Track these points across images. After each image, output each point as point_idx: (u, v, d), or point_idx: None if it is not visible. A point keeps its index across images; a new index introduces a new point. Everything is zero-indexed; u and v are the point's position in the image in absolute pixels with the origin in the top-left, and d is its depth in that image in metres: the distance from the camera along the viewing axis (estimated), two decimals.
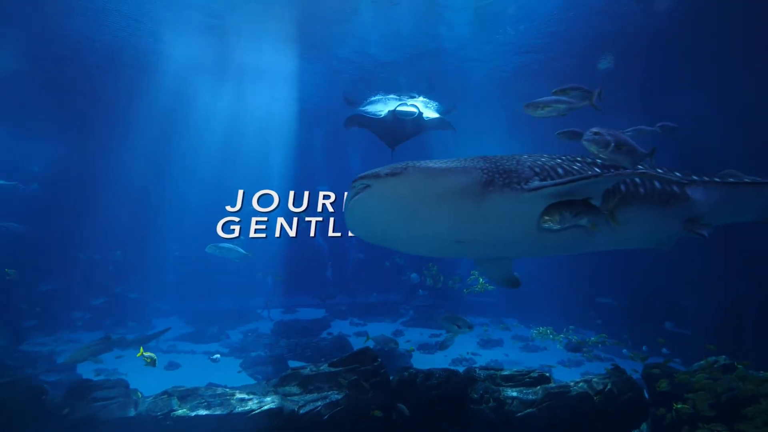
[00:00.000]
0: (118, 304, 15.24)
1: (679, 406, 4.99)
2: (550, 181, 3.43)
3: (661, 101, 13.25)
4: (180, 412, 4.52)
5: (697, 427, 4.80)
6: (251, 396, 4.75)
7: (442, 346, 8.75)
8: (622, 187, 3.81)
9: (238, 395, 4.78)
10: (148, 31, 10.29)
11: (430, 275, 12.37)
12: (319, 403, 4.75)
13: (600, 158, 3.78)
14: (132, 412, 4.47)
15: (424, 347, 13.15)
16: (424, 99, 13.03)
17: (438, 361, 11.76)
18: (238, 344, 13.19)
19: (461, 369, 5.83)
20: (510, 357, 13.01)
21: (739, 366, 5.46)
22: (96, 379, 5.03)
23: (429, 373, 5.22)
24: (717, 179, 4.26)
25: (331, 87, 13.75)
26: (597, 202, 3.53)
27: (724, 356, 5.84)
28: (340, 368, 5.23)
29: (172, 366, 11.11)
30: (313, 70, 12.58)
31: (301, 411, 4.65)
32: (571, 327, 10.55)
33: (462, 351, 12.50)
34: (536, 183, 3.43)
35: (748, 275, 11.54)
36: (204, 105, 15.07)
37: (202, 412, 4.52)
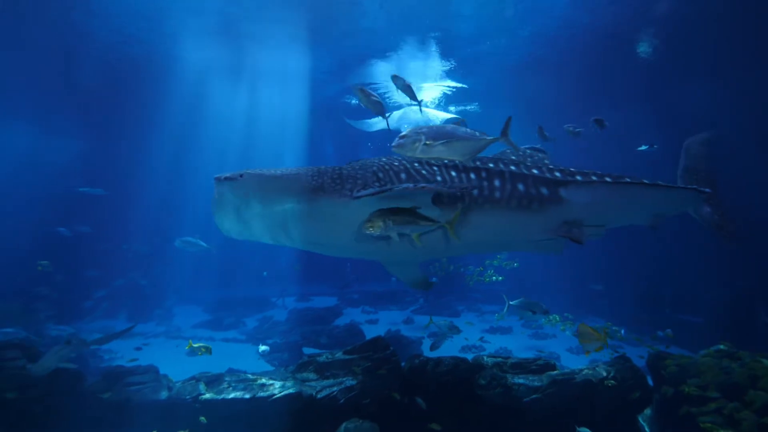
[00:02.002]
0: (135, 292, 15.90)
1: (687, 389, 5.10)
2: (368, 190, 3.49)
3: (673, 94, 13.11)
4: (207, 395, 4.88)
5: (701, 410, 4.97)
6: (272, 381, 5.08)
7: (432, 347, 8.91)
8: (474, 192, 3.66)
9: (260, 381, 5.11)
10: (167, 35, 10.65)
11: (440, 265, 12.60)
12: (335, 388, 5.06)
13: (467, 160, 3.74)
14: (164, 395, 4.84)
15: (435, 335, 13.44)
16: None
17: (448, 348, 12.07)
18: (254, 331, 13.68)
19: (470, 356, 6.09)
20: (519, 344, 13.21)
21: (741, 353, 5.62)
22: (128, 365, 5.40)
23: (439, 361, 5.48)
24: (594, 178, 3.95)
25: (341, 81, 13.92)
26: (437, 210, 3.48)
27: (728, 343, 5.97)
28: (355, 356, 5.53)
29: (193, 352, 11.61)
30: (323, 68, 12.73)
31: (319, 395, 4.97)
32: (567, 315, 10.52)
33: (473, 338, 12.76)
34: (362, 192, 3.50)
35: (760, 266, 11.50)
36: (220, 104, 15.42)
37: (228, 396, 4.87)
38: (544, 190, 3.77)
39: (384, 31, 10.40)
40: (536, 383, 5.27)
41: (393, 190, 3.32)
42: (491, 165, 3.93)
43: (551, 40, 10.91)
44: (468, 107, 16.48)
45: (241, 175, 3.71)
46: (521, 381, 5.31)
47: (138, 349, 6.84)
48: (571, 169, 4.05)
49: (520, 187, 3.76)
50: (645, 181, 3.99)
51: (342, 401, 4.95)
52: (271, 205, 3.74)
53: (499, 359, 5.84)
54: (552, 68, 12.43)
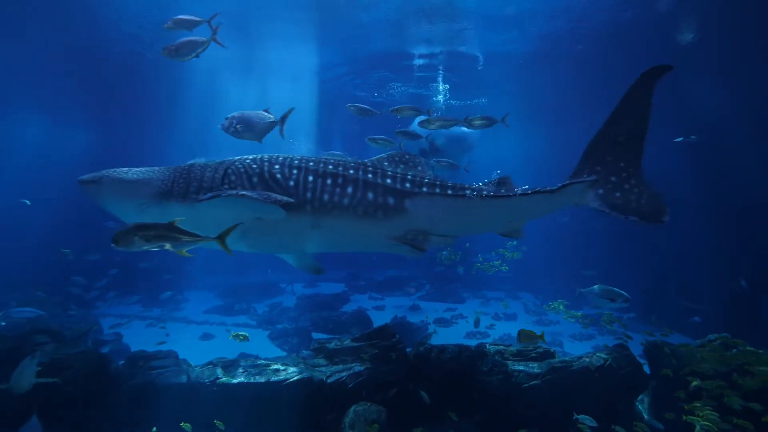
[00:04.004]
0: (149, 277, 16.38)
1: (690, 379, 5.26)
2: (207, 194, 3.69)
3: (679, 91, 12.98)
4: (224, 379, 5.20)
5: (698, 396, 5.18)
6: (285, 367, 5.39)
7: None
8: (325, 197, 3.81)
9: (273, 366, 5.42)
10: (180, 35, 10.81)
11: (445, 252, 12.81)
12: (344, 373, 5.35)
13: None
14: (184, 379, 5.17)
15: (440, 321, 13.77)
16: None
17: (453, 335, 12.39)
18: (264, 317, 14.10)
19: (474, 343, 6.33)
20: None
21: (737, 341, 5.80)
22: (150, 350, 5.74)
23: (443, 348, 5.73)
24: (437, 190, 3.90)
25: (349, 76, 14.00)
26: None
27: (725, 334, 6.15)
28: (363, 343, 5.81)
29: (206, 337, 12.06)
30: (332, 63, 12.82)
31: (329, 380, 5.26)
32: (562, 301, 10.55)
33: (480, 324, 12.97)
34: (202, 196, 3.70)
35: (764, 258, 11.57)
36: (231, 99, 15.60)
37: (243, 379, 5.19)
38: (390, 200, 3.88)
39: (391, 26, 10.42)
40: (536, 370, 5.51)
41: (221, 195, 3.54)
42: (351, 172, 4.01)
43: (558, 36, 10.86)
44: (475, 101, 16.47)
45: (100, 178, 3.95)
46: (521, 368, 5.56)
47: (161, 343, 7.34)
48: (426, 180, 4.01)
49: (370, 195, 3.88)
50: (502, 191, 3.86)
51: (351, 386, 5.24)
52: (126, 208, 3.99)
53: (501, 347, 6.09)
54: (557, 64, 12.38)
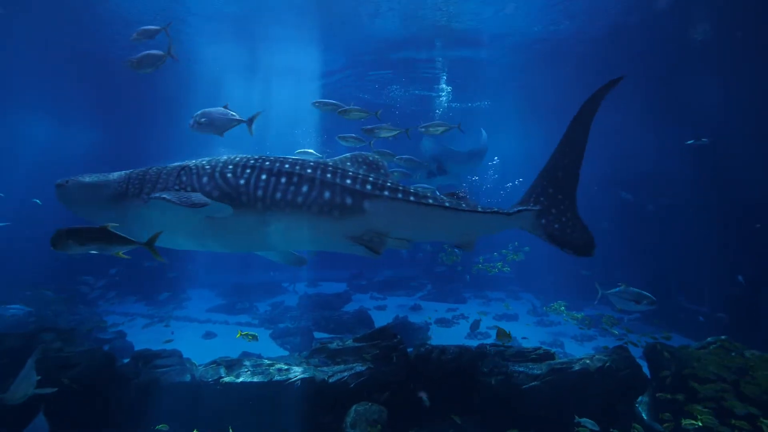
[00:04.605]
0: (151, 276, 16.50)
1: (691, 383, 5.29)
2: (157, 194, 3.76)
3: (679, 90, 13.01)
4: (227, 378, 5.27)
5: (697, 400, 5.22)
6: (287, 366, 5.45)
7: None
8: (278, 195, 3.85)
9: (276, 366, 5.49)
10: (186, 34, 10.93)
11: (445, 253, 12.86)
12: (346, 373, 5.41)
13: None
14: (188, 378, 5.24)
15: (441, 321, 13.83)
16: None
17: (454, 335, 12.45)
18: (266, 316, 14.18)
19: (475, 343, 6.39)
20: (524, 332, 13.43)
21: (737, 344, 5.83)
22: (155, 349, 5.81)
23: (443, 349, 5.79)
24: (399, 195, 3.92)
25: (351, 78, 14.07)
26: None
27: (724, 337, 6.18)
28: (364, 343, 5.87)
29: (209, 335, 12.15)
30: (334, 65, 12.90)
31: (331, 380, 5.33)
32: (562, 302, 10.59)
33: (480, 325, 13.06)
34: (155, 194, 3.80)
35: (765, 258, 11.57)
36: (236, 100, 15.67)
37: (246, 379, 5.26)
38: (348, 200, 3.91)
39: (393, 29, 10.48)
40: (535, 371, 5.56)
41: (160, 197, 3.64)
42: (308, 171, 4.03)
43: (559, 37, 10.89)
44: (477, 104, 16.53)
45: (66, 182, 4.08)
46: (521, 369, 5.60)
47: (168, 341, 7.42)
48: (388, 183, 4.04)
49: (326, 194, 3.91)
50: (463, 205, 3.93)
51: (352, 386, 5.31)
52: (89, 211, 4.13)
53: (501, 348, 6.12)
54: (559, 65, 12.41)
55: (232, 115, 5.00)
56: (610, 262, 16.17)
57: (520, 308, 15.90)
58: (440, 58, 12.54)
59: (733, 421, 4.62)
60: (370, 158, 4.35)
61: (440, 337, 11.87)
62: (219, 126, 4.89)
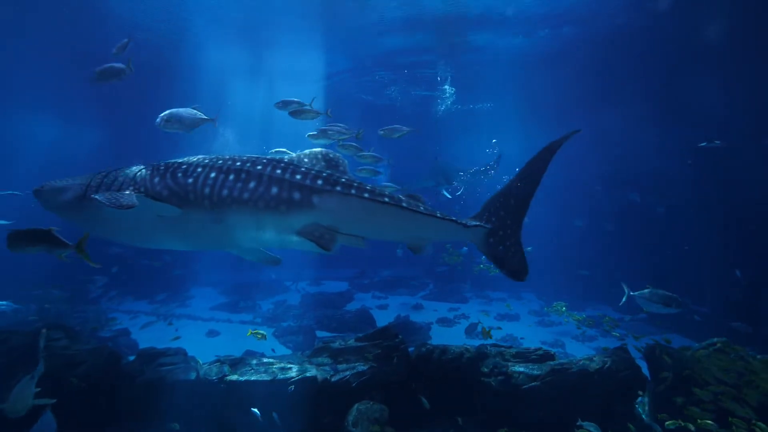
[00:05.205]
0: (156, 274, 16.61)
1: (691, 385, 5.32)
2: (100, 195, 3.85)
3: (680, 91, 12.99)
4: (231, 377, 5.34)
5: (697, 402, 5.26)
6: (290, 365, 5.52)
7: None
8: (224, 192, 3.91)
9: (279, 364, 5.56)
10: (192, 35, 11.02)
11: (447, 253, 12.91)
12: (348, 372, 5.48)
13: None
14: (193, 376, 5.32)
15: (443, 321, 13.88)
16: None
17: (455, 335, 12.50)
18: (269, 314, 14.27)
19: (477, 342, 6.44)
20: (525, 332, 13.46)
21: (736, 347, 5.86)
22: (160, 347, 5.88)
23: (444, 349, 5.84)
24: (353, 191, 3.88)
25: (355, 79, 14.13)
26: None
27: (724, 338, 6.20)
28: (366, 343, 5.93)
29: (212, 333, 12.24)
30: (339, 66, 12.97)
31: (333, 379, 5.40)
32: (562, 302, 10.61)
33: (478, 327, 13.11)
34: (92, 195, 3.91)
35: (765, 258, 11.57)
36: (240, 102, 15.79)
37: (250, 377, 5.33)
38: (296, 195, 3.91)
39: (396, 31, 10.53)
40: (536, 372, 5.61)
41: (94, 198, 3.77)
42: (258, 168, 4.06)
43: (563, 39, 10.91)
44: (479, 105, 16.57)
45: (42, 186, 4.28)
46: (521, 369, 5.65)
47: (176, 338, 7.53)
48: (342, 180, 4.01)
49: (273, 190, 3.92)
50: (421, 207, 3.92)
51: (354, 385, 5.37)
52: (65, 213, 4.30)
53: (502, 348, 6.18)
54: (560, 67, 12.43)
55: (198, 114, 5.34)
56: (610, 263, 16.23)
57: (521, 308, 15.94)
58: (443, 60, 12.58)
59: (730, 419, 4.65)
60: (330, 155, 4.35)
61: (441, 337, 11.93)
62: (188, 125, 5.21)
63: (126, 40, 5.58)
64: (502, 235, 4.09)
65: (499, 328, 12.43)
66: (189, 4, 9.54)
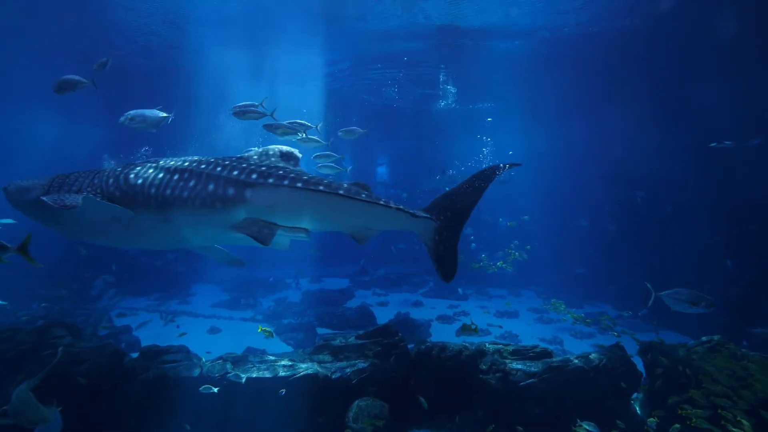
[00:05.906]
0: (158, 272, 16.71)
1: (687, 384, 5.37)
2: (49, 196, 3.98)
3: (680, 93, 13.01)
4: (233, 374, 5.43)
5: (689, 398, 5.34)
6: (291, 362, 5.61)
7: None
8: (168, 192, 4.00)
9: (281, 362, 5.65)
10: (194, 36, 11.09)
11: None
12: (349, 370, 5.57)
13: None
14: (196, 373, 5.40)
15: (442, 318, 13.96)
16: None
17: (455, 332, 12.57)
18: (270, 311, 14.35)
19: (476, 340, 6.51)
20: (524, 329, 13.52)
21: (731, 346, 5.93)
22: (162, 345, 5.97)
23: (443, 347, 5.93)
24: (285, 182, 3.84)
25: (356, 78, 14.14)
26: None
27: (717, 336, 6.27)
28: (366, 340, 6.02)
29: (213, 330, 12.31)
30: (340, 66, 12.98)
31: (334, 376, 5.49)
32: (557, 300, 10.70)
33: (479, 322, 13.14)
34: (46, 196, 4.00)
35: (765, 259, 11.63)
36: (241, 101, 15.80)
37: (252, 375, 5.42)
38: (230, 191, 3.92)
39: (397, 32, 10.55)
40: (533, 369, 5.69)
41: (41, 198, 3.88)
42: (201, 167, 4.13)
43: (563, 40, 10.93)
44: (480, 105, 16.58)
45: (8, 186, 4.42)
46: (519, 366, 5.74)
47: (182, 334, 7.65)
48: (280, 172, 3.95)
49: (210, 187, 3.96)
50: (363, 195, 3.83)
51: (355, 381, 5.46)
52: (31, 212, 4.44)
53: (500, 346, 6.26)
54: (561, 67, 12.45)
55: (160, 114, 5.78)
56: (610, 262, 16.30)
57: (520, 305, 16.02)
58: (443, 62, 12.60)
59: (721, 412, 4.74)
60: (284, 150, 4.37)
61: (441, 334, 12.00)
62: (152, 123, 5.60)
63: (105, 59, 5.93)
64: (446, 235, 4.08)
65: (500, 327, 12.52)
66: (190, 6, 9.57)
